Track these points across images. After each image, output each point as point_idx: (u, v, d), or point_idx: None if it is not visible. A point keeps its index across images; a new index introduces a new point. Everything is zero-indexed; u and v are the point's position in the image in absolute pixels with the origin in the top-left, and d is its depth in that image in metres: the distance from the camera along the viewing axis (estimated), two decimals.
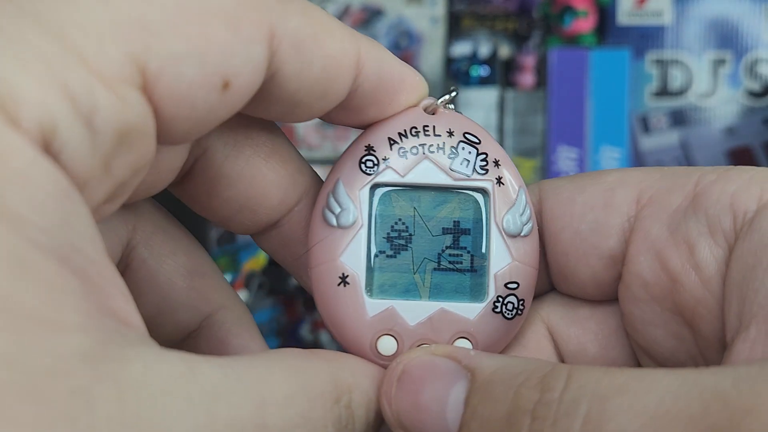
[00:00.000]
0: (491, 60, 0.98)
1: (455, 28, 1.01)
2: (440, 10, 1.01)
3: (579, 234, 0.32)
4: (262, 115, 0.28)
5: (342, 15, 1.01)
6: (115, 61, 0.22)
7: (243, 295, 0.91)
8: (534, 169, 0.96)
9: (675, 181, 0.30)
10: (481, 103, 0.95)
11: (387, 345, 0.30)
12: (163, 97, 0.23)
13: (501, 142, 0.95)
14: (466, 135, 0.31)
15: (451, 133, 0.31)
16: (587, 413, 0.23)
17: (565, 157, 0.93)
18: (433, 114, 0.31)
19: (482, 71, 0.97)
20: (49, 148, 0.20)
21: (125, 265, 0.32)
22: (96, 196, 0.22)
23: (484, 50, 0.99)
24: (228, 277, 0.92)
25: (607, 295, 0.33)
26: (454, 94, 0.32)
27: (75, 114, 0.21)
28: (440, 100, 0.31)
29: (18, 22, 0.21)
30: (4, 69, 0.20)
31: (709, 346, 0.29)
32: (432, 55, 1.01)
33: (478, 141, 0.31)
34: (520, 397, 0.25)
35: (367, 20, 1.01)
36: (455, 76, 0.98)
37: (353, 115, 0.30)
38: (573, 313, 0.33)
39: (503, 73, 0.97)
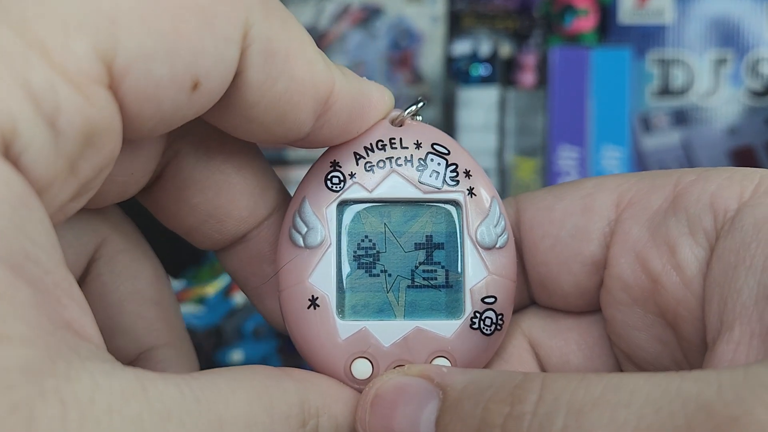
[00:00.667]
0: (492, 59, 0.97)
1: (455, 26, 1.00)
2: (440, 8, 1.00)
3: (559, 241, 0.31)
4: (217, 122, 0.27)
5: (342, 14, 1.00)
6: (81, 56, 0.20)
7: (242, 296, 0.91)
8: (535, 169, 0.95)
9: (654, 182, 0.30)
10: (481, 103, 0.95)
11: (361, 368, 0.29)
12: (128, 95, 0.22)
13: (502, 142, 0.95)
14: (435, 146, 0.30)
15: (418, 145, 0.30)
16: (563, 428, 0.22)
17: (566, 156, 0.92)
18: (401, 126, 0.30)
19: (483, 70, 0.96)
20: (8, 150, 0.19)
21: (82, 277, 0.31)
22: (60, 198, 0.21)
23: (485, 49, 0.99)
24: (227, 278, 0.92)
25: (591, 305, 0.32)
26: (421, 104, 0.31)
27: (37, 114, 0.20)
28: (407, 112, 0.30)
29: None
30: None
31: (692, 349, 0.28)
32: (432, 54, 1.00)
33: (447, 152, 0.30)
34: (488, 412, 0.24)
35: (366, 19, 1.00)
36: (455, 75, 0.97)
37: (316, 144, 0.29)
38: (555, 324, 0.33)
39: (504, 72, 0.97)
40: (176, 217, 0.30)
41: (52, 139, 0.20)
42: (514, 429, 0.23)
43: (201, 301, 0.92)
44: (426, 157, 0.30)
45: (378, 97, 0.29)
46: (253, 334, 0.93)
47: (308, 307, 0.29)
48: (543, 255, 0.31)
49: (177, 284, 0.93)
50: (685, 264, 0.28)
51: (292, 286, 0.29)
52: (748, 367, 0.21)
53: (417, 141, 0.30)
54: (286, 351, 0.95)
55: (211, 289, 0.92)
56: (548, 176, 0.93)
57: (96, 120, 0.21)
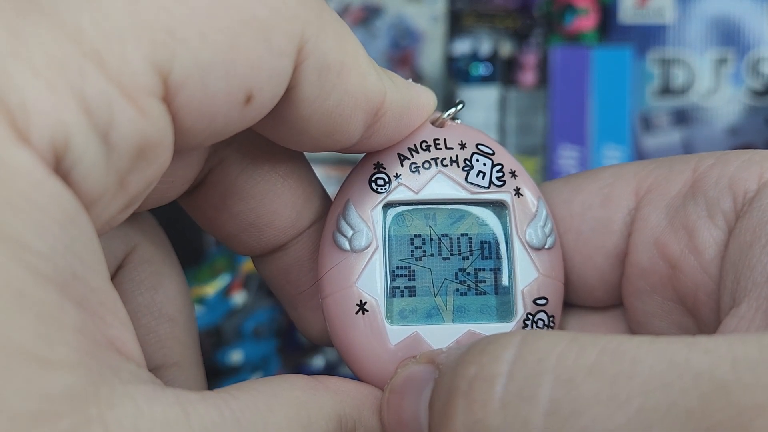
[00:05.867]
0: (492, 58, 0.97)
1: (456, 26, 1.00)
2: (440, 8, 1.00)
3: (581, 235, 0.31)
4: (267, 133, 0.26)
5: (342, 13, 1.00)
6: (137, 68, 0.20)
7: (242, 296, 0.91)
8: (535, 168, 0.95)
9: (672, 168, 0.29)
10: (481, 102, 0.95)
11: None
12: (182, 108, 0.21)
13: (502, 141, 0.95)
14: (479, 146, 0.30)
15: (463, 146, 0.29)
16: (552, 399, 0.19)
17: (567, 155, 0.92)
18: (441, 127, 0.30)
19: (483, 70, 0.96)
20: (59, 164, 0.19)
21: None
22: (108, 212, 0.21)
23: (485, 48, 0.98)
24: (227, 278, 0.91)
25: (616, 298, 0.32)
26: (460, 107, 0.30)
27: (90, 128, 0.19)
28: (447, 114, 0.30)
29: (32, 21, 0.19)
30: (15, 75, 0.18)
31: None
32: (432, 54, 1.00)
33: (491, 152, 0.30)
34: (455, 376, 0.22)
35: (366, 18, 1.00)
36: (456, 74, 0.97)
37: (362, 151, 0.29)
38: (583, 321, 0.33)
39: (504, 72, 0.97)
40: (216, 223, 0.30)
41: (104, 153, 0.20)
42: (482, 396, 0.20)
43: (200, 301, 0.91)
44: (471, 157, 0.30)
45: (425, 102, 0.29)
46: (253, 334, 0.92)
47: (356, 313, 0.28)
48: (566, 250, 0.31)
49: None
50: (703, 247, 0.28)
51: (338, 291, 0.28)
52: (761, 338, 0.19)
53: (461, 141, 0.30)
54: (286, 351, 0.94)
55: (211, 289, 0.92)
56: (549, 175, 0.93)
57: (149, 134, 0.21)
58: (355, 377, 0.29)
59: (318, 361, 0.93)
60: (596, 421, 0.18)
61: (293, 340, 0.97)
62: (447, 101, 0.98)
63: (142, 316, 0.30)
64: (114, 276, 0.30)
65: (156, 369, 0.31)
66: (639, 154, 0.96)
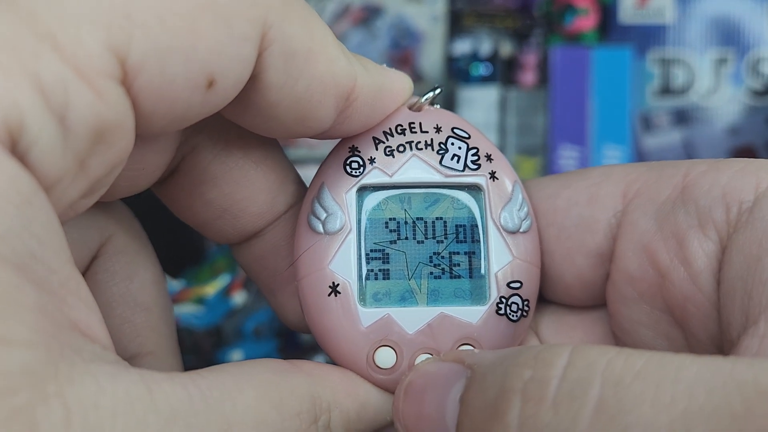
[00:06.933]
0: (492, 58, 0.97)
1: (456, 26, 1.00)
2: (441, 8, 1.00)
3: (564, 231, 0.30)
4: (237, 119, 0.26)
5: (342, 13, 1.00)
6: (93, 51, 0.20)
7: (242, 296, 0.91)
8: (535, 168, 0.95)
9: (662, 173, 0.29)
10: (481, 102, 0.94)
11: (385, 356, 0.28)
12: (142, 92, 0.21)
13: (502, 141, 0.94)
14: (455, 130, 0.30)
15: (438, 129, 0.29)
16: (601, 398, 0.20)
17: (567, 155, 0.92)
18: (419, 111, 0.30)
19: (483, 70, 0.96)
20: (15, 146, 0.19)
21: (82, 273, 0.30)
22: (69, 195, 0.21)
23: (485, 48, 0.98)
24: (227, 278, 0.91)
25: (594, 299, 0.31)
26: (438, 91, 0.31)
27: (46, 110, 0.19)
28: (424, 98, 0.30)
29: None
30: None
31: (700, 347, 0.28)
32: (432, 54, 1.00)
33: (467, 135, 0.30)
34: (508, 376, 0.22)
35: (366, 19, 1.00)
36: (456, 74, 0.97)
37: (337, 136, 0.29)
38: (559, 320, 0.32)
39: (504, 72, 0.97)
40: (190, 211, 0.30)
41: (61, 135, 0.20)
42: (537, 395, 0.21)
43: (200, 301, 0.92)
44: (446, 140, 0.30)
45: (399, 86, 0.29)
46: (253, 334, 0.92)
47: (329, 295, 0.28)
48: (547, 244, 0.31)
49: (176, 284, 0.92)
50: (693, 258, 0.27)
51: (311, 274, 0.28)
52: None
53: (437, 125, 0.30)
54: (286, 351, 0.94)
55: (211, 289, 0.92)
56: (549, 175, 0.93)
57: (107, 117, 0.20)
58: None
59: (318, 361, 0.93)
60: (641, 419, 0.19)
61: (293, 340, 0.97)
62: (447, 101, 0.98)
63: (117, 305, 0.30)
64: (89, 266, 0.30)
65: (131, 358, 0.30)
66: (639, 154, 0.96)
